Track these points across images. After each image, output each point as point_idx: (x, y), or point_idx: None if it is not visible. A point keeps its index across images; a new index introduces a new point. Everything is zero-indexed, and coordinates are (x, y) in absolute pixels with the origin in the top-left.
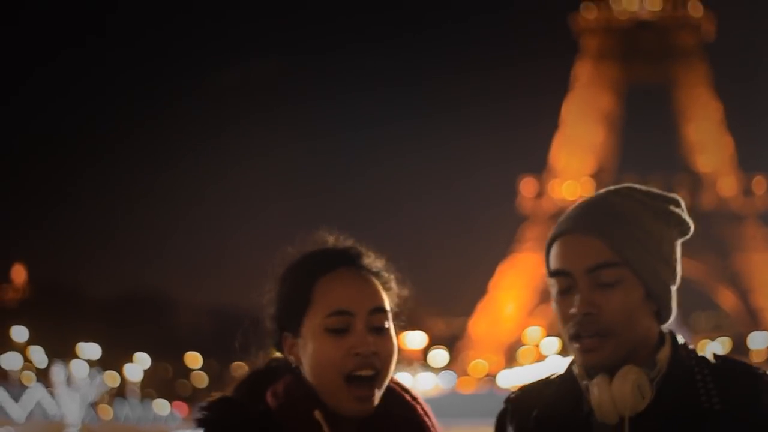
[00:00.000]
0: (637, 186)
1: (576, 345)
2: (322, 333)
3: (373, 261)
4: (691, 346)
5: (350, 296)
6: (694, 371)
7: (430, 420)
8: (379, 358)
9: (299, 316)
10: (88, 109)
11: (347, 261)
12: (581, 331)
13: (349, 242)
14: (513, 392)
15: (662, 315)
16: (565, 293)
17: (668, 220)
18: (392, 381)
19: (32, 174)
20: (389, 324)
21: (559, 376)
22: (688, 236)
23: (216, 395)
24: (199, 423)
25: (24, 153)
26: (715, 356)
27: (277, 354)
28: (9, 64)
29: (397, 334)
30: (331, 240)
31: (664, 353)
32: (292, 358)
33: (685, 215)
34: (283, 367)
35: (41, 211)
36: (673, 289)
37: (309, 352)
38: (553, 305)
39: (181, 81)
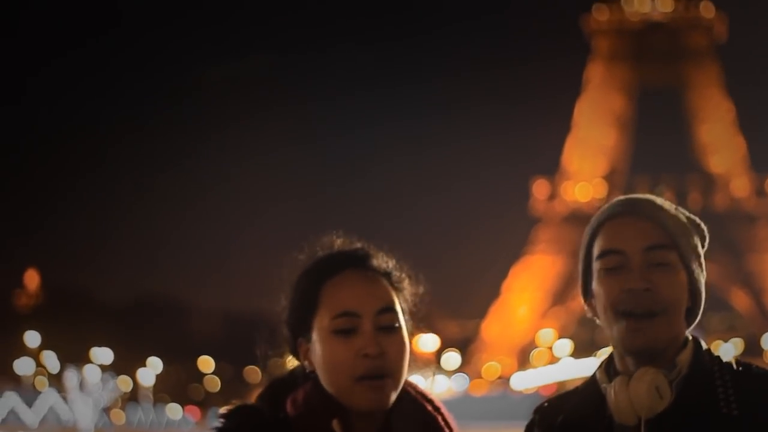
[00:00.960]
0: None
1: (624, 324)
2: (329, 336)
3: (382, 261)
4: (716, 354)
5: (357, 297)
6: (715, 376)
7: (451, 430)
8: (388, 359)
9: (308, 320)
10: (99, 115)
11: (355, 263)
12: (636, 308)
13: (357, 244)
14: (542, 403)
15: (691, 317)
16: (614, 271)
17: (697, 229)
18: (414, 388)
19: (45, 180)
20: (400, 323)
21: (584, 382)
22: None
23: (235, 403)
24: (219, 431)
25: (37, 159)
26: (738, 362)
27: (296, 362)
28: (16, 71)
29: (412, 333)
30: (339, 243)
31: (686, 355)
32: (307, 363)
33: (706, 233)
34: (303, 375)
35: (54, 216)
36: (703, 297)
37: (319, 356)
38: (597, 287)
39: (187, 84)
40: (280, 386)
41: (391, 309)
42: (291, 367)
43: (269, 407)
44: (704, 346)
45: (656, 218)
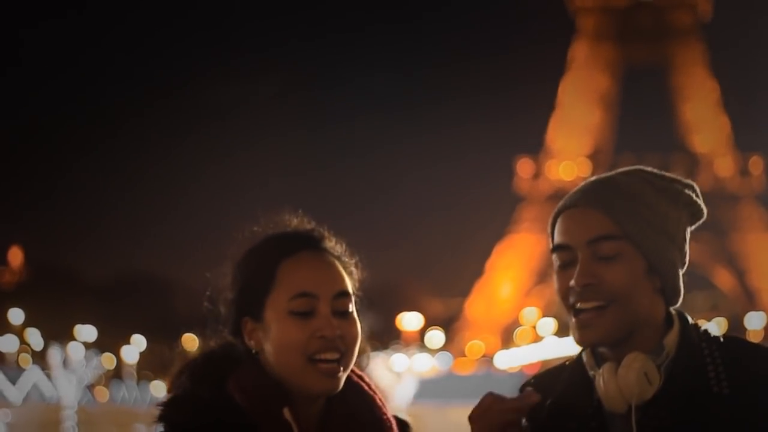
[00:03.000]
0: (650, 168)
1: (573, 321)
2: (286, 316)
3: (334, 245)
4: (703, 328)
5: (314, 279)
6: (704, 354)
7: (387, 412)
8: (344, 342)
9: (261, 299)
10: (83, 93)
11: (310, 244)
12: (580, 303)
13: (310, 225)
14: (528, 380)
15: (669, 294)
16: (565, 267)
17: (676, 199)
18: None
19: (28, 157)
20: (353, 308)
21: (571, 364)
22: (699, 221)
23: (173, 390)
24: (165, 423)
25: (20, 136)
26: (726, 337)
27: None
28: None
29: (358, 318)
30: (294, 222)
31: (672, 336)
32: (252, 343)
33: (697, 199)
34: (240, 353)
35: (38, 193)
36: (681, 269)
37: (272, 336)
38: (554, 280)
39: (174, 65)
40: (215, 364)
41: (347, 293)
42: (222, 345)
43: (210, 391)
44: (691, 321)
45: (604, 206)
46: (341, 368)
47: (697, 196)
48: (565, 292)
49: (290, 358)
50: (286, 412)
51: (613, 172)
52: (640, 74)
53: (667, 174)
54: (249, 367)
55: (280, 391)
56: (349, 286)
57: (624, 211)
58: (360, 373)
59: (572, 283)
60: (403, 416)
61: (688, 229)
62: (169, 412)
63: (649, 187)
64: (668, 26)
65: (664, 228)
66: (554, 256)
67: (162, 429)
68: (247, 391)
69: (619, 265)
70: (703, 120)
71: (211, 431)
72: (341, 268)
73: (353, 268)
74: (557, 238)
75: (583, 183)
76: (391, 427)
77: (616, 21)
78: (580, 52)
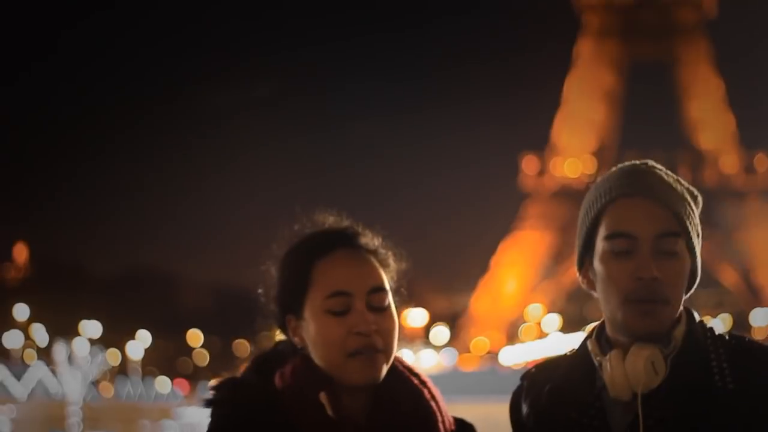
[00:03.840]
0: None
1: (634, 307)
2: (322, 314)
3: (370, 239)
4: (709, 325)
5: (348, 277)
6: (709, 350)
7: (437, 404)
8: (380, 336)
9: (300, 298)
10: (90, 89)
11: (345, 241)
12: (646, 295)
13: (346, 222)
14: (529, 369)
15: (686, 291)
16: (623, 255)
17: (696, 200)
18: (401, 363)
19: (34, 153)
20: (389, 301)
21: (573, 352)
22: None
23: (224, 375)
24: (207, 403)
25: (26, 132)
26: (731, 335)
27: (282, 336)
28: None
29: (398, 309)
30: (330, 220)
31: (680, 330)
32: (297, 339)
33: (701, 202)
34: (290, 350)
35: (43, 189)
36: (699, 269)
37: (312, 333)
38: (600, 268)
39: (185, 64)
40: (267, 360)
41: (382, 288)
42: (276, 342)
43: (257, 380)
44: (697, 317)
45: (668, 202)
46: (380, 358)
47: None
48: (624, 284)
49: (330, 354)
50: (323, 397)
51: (644, 163)
52: (645, 71)
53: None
54: (293, 359)
55: (318, 377)
56: (385, 280)
57: (684, 211)
58: (410, 366)
59: (639, 274)
60: (467, 420)
61: None
62: (214, 390)
63: (678, 184)
64: (673, 23)
65: (698, 229)
66: (607, 243)
67: (209, 409)
68: (285, 377)
69: (678, 264)
70: (708, 117)
71: (247, 409)
72: (376, 263)
73: (390, 261)
74: (617, 225)
75: (621, 172)
76: (436, 421)
77: (621, 18)
78: (585, 49)
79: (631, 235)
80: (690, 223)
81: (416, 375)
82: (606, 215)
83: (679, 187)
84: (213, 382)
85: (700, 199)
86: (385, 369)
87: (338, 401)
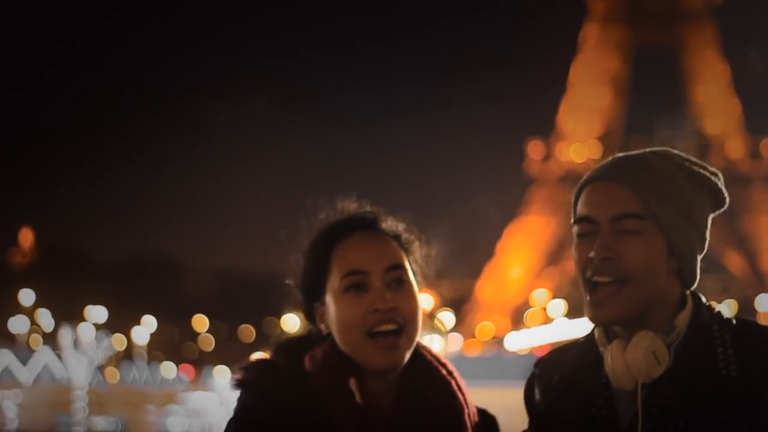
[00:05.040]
0: (677, 151)
1: (588, 298)
2: (341, 295)
3: (391, 224)
4: (716, 309)
5: (364, 257)
6: (715, 336)
7: (464, 396)
8: (400, 313)
9: (321, 283)
10: (95, 77)
11: (363, 225)
12: (597, 276)
13: (368, 208)
14: (542, 356)
15: (685, 277)
16: (585, 236)
17: (701, 185)
18: (429, 352)
19: (39, 138)
20: (409, 280)
21: (582, 341)
22: (721, 209)
23: (255, 356)
24: (238, 383)
25: (31, 117)
26: (738, 320)
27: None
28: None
29: (422, 292)
30: (351, 207)
31: (684, 317)
32: (323, 326)
33: (722, 186)
34: (320, 337)
35: (49, 174)
36: (700, 254)
37: (333, 317)
38: (572, 252)
39: (193, 59)
40: (297, 343)
41: (400, 266)
42: (291, 329)
43: (288, 363)
44: (705, 302)
45: (634, 183)
46: (401, 341)
47: (721, 184)
48: (583, 264)
49: (351, 335)
50: (352, 383)
51: (642, 151)
52: (651, 56)
53: (694, 159)
54: (323, 344)
55: (347, 364)
56: (405, 261)
57: (652, 191)
58: (442, 359)
59: (592, 254)
60: (489, 411)
61: (710, 216)
62: (244, 370)
63: (678, 170)
64: (679, 8)
65: (688, 212)
66: (574, 227)
67: (236, 389)
68: (316, 362)
69: (640, 243)
70: (714, 102)
71: (272, 391)
72: (396, 245)
73: (414, 246)
74: (581, 210)
75: (612, 157)
76: (462, 412)
77: (627, 3)
78: (591, 33)
79: (590, 218)
80: (666, 205)
81: (443, 365)
82: (578, 201)
83: (671, 172)
84: (243, 363)
85: (714, 182)
86: (407, 352)
87: (365, 388)
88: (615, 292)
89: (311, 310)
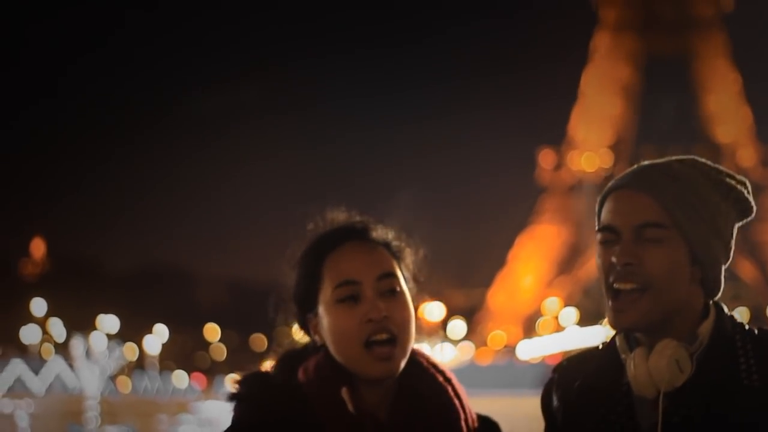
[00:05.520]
0: (704, 160)
1: (610, 304)
2: (333, 306)
3: (381, 232)
4: (738, 319)
5: (356, 266)
6: (737, 345)
7: (461, 401)
8: (393, 322)
9: (314, 295)
10: (109, 86)
11: (354, 235)
12: (618, 282)
13: (357, 217)
14: (561, 361)
15: (709, 286)
16: (608, 244)
17: (727, 194)
18: (426, 359)
19: (52, 149)
20: (401, 288)
21: (604, 347)
22: (748, 219)
23: (249, 370)
24: (231, 397)
25: (44, 129)
26: (760, 329)
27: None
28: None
29: (417, 300)
30: (341, 217)
31: (707, 326)
32: (317, 337)
33: (748, 196)
34: (314, 348)
35: (61, 185)
36: (724, 263)
37: (326, 328)
38: (596, 259)
39: (198, 58)
40: (293, 357)
41: (391, 274)
42: (300, 339)
43: (282, 375)
44: (727, 312)
45: (657, 191)
46: (395, 350)
47: (748, 193)
48: (606, 270)
49: (346, 346)
50: (344, 392)
51: (667, 159)
52: (662, 65)
53: (722, 168)
54: (315, 356)
55: (340, 373)
56: (396, 269)
57: (676, 200)
58: (438, 365)
59: (614, 259)
60: (492, 418)
61: (736, 226)
62: (238, 384)
63: (703, 178)
64: (690, 17)
65: (713, 221)
66: (598, 235)
67: (229, 402)
68: (308, 373)
69: (662, 250)
70: (725, 111)
71: (265, 404)
72: (387, 253)
73: (405, 253)
74: (604, 218)
75: (636, 165)
76: (459, 418)
77: (638, 12)
78: (602, 42)
79: (613, 227)
80: (690, 215)
81: (441, 372)
82: (603, 209)
83: (696, 182)
84: (236, 376)
85: (740, 191)
86: (402, 361)
87: (359, 396)
88: (636, 299)
89: (305, 322)
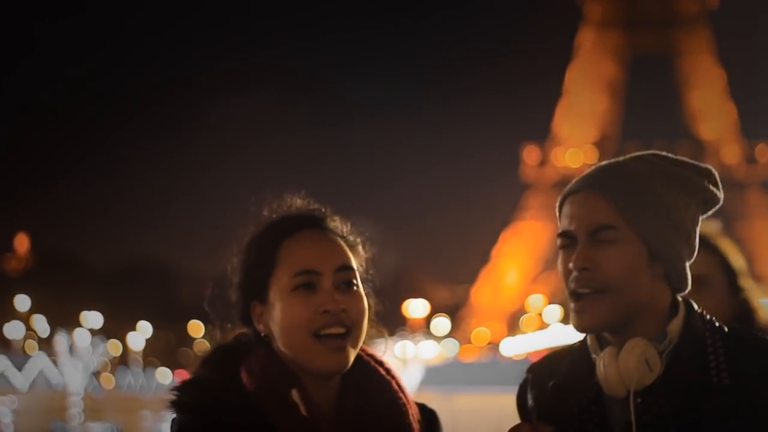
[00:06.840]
0: (665, 153)
1: (572, 305)
2: (289, 294)
3: (338, 224)
4: (708, 316)
5: (315, 255)
6: (707, 343)
7: (405, 396)
8: (348, 316)
9: (265, 281)
10: (91, 83)
11: (311, 223)
12: (578, 287)
13: (315, 205)
14: (535, 362)
15: (674, 282)
16: (566, 249)
17: (684, 186)
18: (364, 351)
19: (35, 143)
20: (357, 282)
21: (576, 347)
22: (713, 208)
23: (187, 375)
24: (173, 405)
25: (26, 122)
26: (731, 328)
27: (242, 330)
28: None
29: (367, 296)
30: (297, 203)
31: (676, 324)
32: (261, 327)
33: (710, 185)
34: (252, 342)
35: (44, 180)
36: (688, 257)
37: (277, 316)
38: (558, 266)
39: (185, 58)
40: (227, 354)
41: (350, 267)
42: (236, 334)
43: (220, 377)
44: (697, 309)
45: (610, 193)
46: (348, 343)
47: (712, 182)
48: (566, 275)
49: (296, 336)
50: (294, 394)
51: (624, 157)
52: (646, 61)
53: (682, 159)
54: (258, 351)
55: (288, 373)
56: (353, 262)
57: (627, 198)
58: (380, 358)
59: (571, 265)
60: (429, 405)
61: (700, 217)
62: (177, 394)
63: (658, 173)
64: (675, 14)
65: (669, 216)
66: (558, 240)
67: (174, 413)
68: (254, 374)
69: (617, 251)
70: (710, 107)
71: (216, 412)
72: (345, 246)
73: (359, 248)
74: (561, 223)
75: (592, 167)
76: (406, 412)
77: (623, 8)
78: (587, 39)
79: (567, 232)
80: (644, 213)
81: (380, 364)
82: (561, 215)
83: (652, 177)
84: (176, 383)
85: (698, 183)
86: (352, 354)
87: (308, 397)
88: (596, 300)
89: (248, 311)
